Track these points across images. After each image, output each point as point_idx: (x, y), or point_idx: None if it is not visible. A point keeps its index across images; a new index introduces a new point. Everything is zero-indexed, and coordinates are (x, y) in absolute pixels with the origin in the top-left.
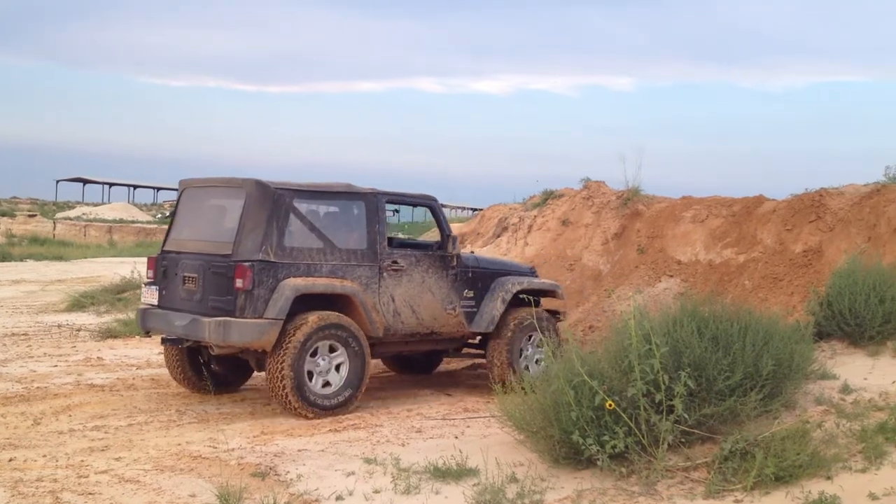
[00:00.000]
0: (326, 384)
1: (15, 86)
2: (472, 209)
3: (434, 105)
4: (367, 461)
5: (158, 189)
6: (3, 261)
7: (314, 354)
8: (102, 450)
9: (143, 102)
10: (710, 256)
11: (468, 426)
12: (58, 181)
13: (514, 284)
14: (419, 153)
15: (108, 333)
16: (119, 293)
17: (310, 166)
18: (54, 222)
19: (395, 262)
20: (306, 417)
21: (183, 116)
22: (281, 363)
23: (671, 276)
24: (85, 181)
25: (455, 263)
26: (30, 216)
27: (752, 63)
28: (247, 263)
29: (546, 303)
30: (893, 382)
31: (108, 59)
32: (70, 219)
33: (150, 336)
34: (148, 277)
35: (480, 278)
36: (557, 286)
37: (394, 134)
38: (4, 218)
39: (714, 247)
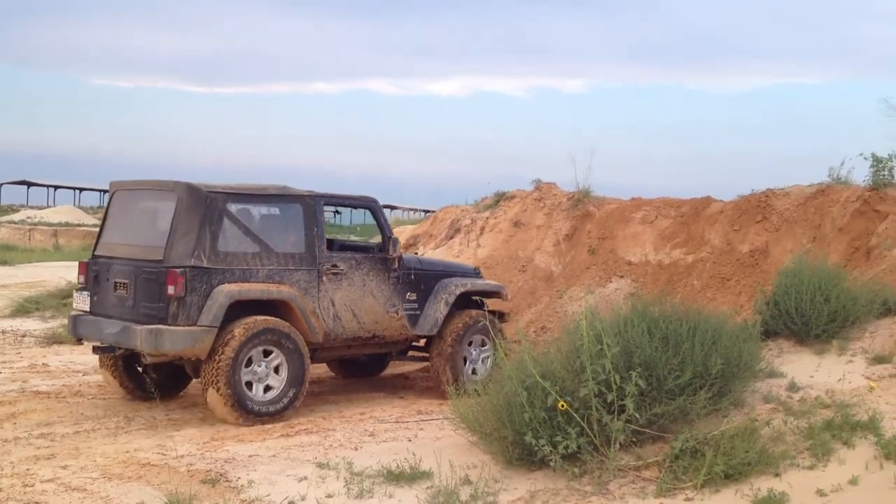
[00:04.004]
0: (268, 388)
1: None
2: (424, 211)
3: (388, 106)
4: (320, 466)
5: (105, 192)
6: None
7: (249, 364)
8: (48, 458)
9: (89, 104)
10: (660, 257)
11: (421, 429)
12: (1, 184)
13: (457, 286)
14: (373, 154)
15: (53, 339)
16: (65, 298)
17: (262, 168)
18: None
19: (334, 265)
20: (242, 425)
21: (131, 118)
22: (216, 377)
23: (622, 276)
24: (29, 184)
25: (397, 266)
26: None
27: (702, 65)
28: (178, 269)
29: (491, 304)
30: (839, 380)
31: (53, 59)
32: (14, 222)
33: (81, 343)
34: (79, 283)
35: (423, 280)
36: (501, 287)
37: (347, 135)
38: None
39: (663, 247)
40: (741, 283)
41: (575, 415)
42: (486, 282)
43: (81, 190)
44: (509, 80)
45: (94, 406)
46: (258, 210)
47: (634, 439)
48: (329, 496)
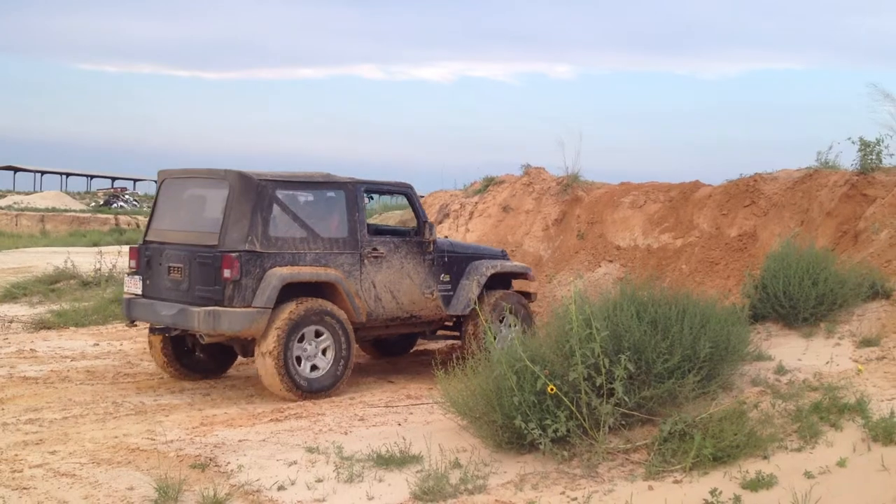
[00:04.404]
0: (314, 368)
1: None
2: None
3: (375, 92)
4: (310, 450)
5: (92, 177)
6: None
7: (301, 340)
8: (37, 443)
9: (76, 89)
10: (649, 241)
11: (411, 413)
12: None
13: (488, 268)
14: (360, 140)
15: (41, 325)
16: (52, 283)
17: (248, 154)
18: None
19: (375, 249)
20: (294, 400)
21: (117, 103)
22: (270, 350)
23: (611, 261)
24: (16, 169)
25: (431, 249)
26: None
27: (690, 51)
28: (234, 254)
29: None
30: (827, 363)
31: (39, 45)
32: (1, 208)
33: (135, 325)
34: (130, 267)
35: (455, 262)
36: (528, 269)
37: (334, 121)
38: None
39: (652, 232)
40: (729, 267)
41: (564, 398)
42: (514, 263)
43: (68, 175)
44: (497, 66)
45: (82, 391)
46: (304, 196)
47: (623, 422)
48: (319, 480)
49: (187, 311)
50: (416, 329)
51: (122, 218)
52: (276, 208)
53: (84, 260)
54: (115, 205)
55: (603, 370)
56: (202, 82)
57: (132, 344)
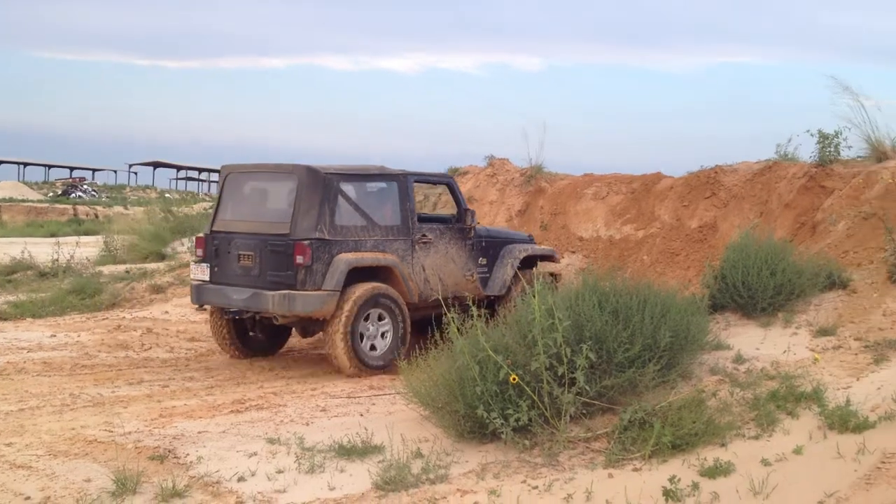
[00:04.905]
0: (373, 348)
1: None
2: None
3: (341, 82)
4: (271, 441)
5: (50, 167)
6: None
7: (366, 319)
8: None
9: (33, 77)
10: (611, 232)
11: (374, 404)
12: None
13: (521, 251)
14: (325, 131)
15: None
16: (9, 274)
17: (210, 144)
18: None
19: (424, 235)
20: (357, 375)
21: (75, 91)
22: (339, 328)
23: (573, 251)
24: None
25: (472, 235)
26: None
27: (654, 45)
28: (305, 241)
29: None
30: (784, 352)
31: None
32: None
33: (204, 310)
34: (197, 255)
35: (491, 247)
36: (554, 251)
37: (300, 111)
38: None
39: (614, 223)
40: (690, 257)
41: (526, 388)
42: (542, 247)
43: (25, 165)
44: (463, 57)
45: (38, 383)
46: (363, 188)
47: (584, 411)
48: (279, 471)
49: (261, 294)
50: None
51: (80, 208)
52: (340, 199)
53: (41, 250)
54: (73, 195)
55: (564, 360)
56: (164, 71)
57: (90, 335)
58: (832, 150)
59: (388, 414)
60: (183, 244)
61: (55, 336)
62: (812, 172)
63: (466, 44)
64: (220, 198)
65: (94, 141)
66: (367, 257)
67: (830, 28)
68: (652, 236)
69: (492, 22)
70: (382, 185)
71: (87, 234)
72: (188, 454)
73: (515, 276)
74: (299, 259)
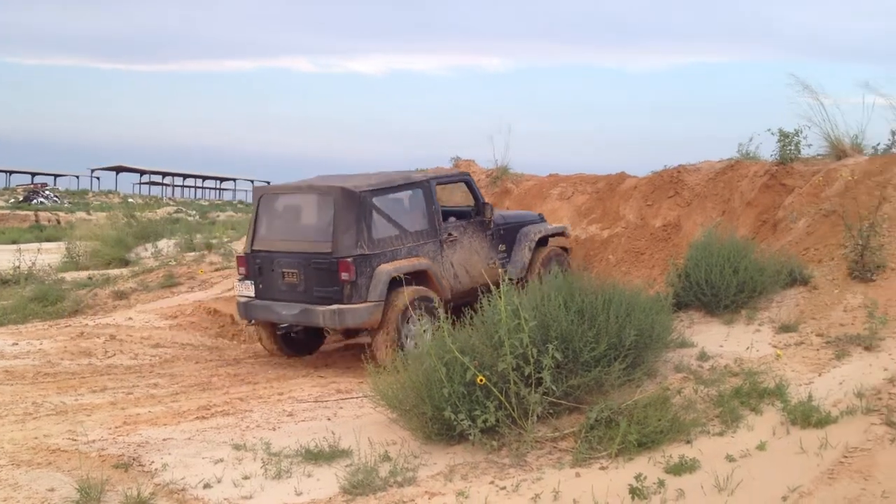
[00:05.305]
0: (416, 346)
1: None
2: None
3: (306, 84)
4: (237, 447)
5: (11, 172)
6: None
7: (408, 322)
8: None
9: None
10: (577, 232)
11: (341, 407)
12: None
13: (535, 233)
14: (292, 134)
15: None
16: None
17: (175, 148)
18: None
19: (450, 234)
20: None
21: (38, 96)
22: (386, 335)
23: None
24: None
25: (491, 226)
26: None
27: (619, 45)
28: (349, 259)
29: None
30: (747, 349)
31: None
32: None
33: (252, 325)
34: (240, 273)
35: (508, 232)
36: (565, 227)
37: (265, 114)
38: None
39: (580, 222)
40: (654, 256)
41: (493, 389)
42: (554, 226)
43: None
44: (429, 58)
45: (0, 392)
46: (393, 199)
47: (551, 411)
48: (246, 477)
49: (311, 310)
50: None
51: (42, 214)
52: (374, 214)
53: (2, 258)
54: (34, 201)
55: (531, 360)
56: (127, 75)
57: (52, 343)
58: (793, 148)
59: (356, 417)
60: (146, 249)
61: (17, 344)
62: (773, 171)
63: (432, 44)
64: (255, 218)
65: (56, 146)
66: (404, 265)
67: (792, 27)
68: (617, 236)
69: (458, 23)
70: (409, 192)
71: (49, 240)
72: (153, 462)
73: (533, 256)
74: (344, 276)
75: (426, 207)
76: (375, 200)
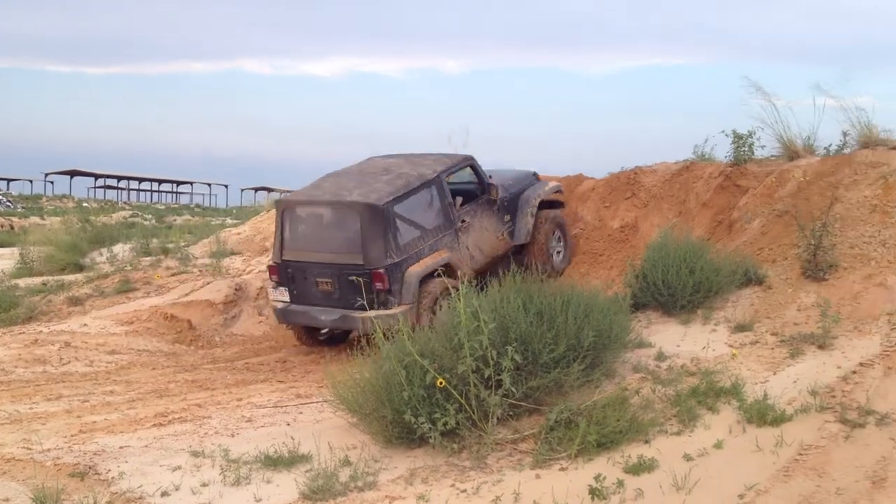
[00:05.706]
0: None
1: None
2: None
3: (262, 87)
4: (195, 454)
5: None
6: None
7: (435, 313)
8: None
9: None
10: None
11: (301, 412)
12: None
13: (535, 199)
14: (247, 136)
15: None
16: None
17: (130, 151)
18: None
19: (463, 220)
20: None
21: None
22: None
23: None
24: None
25: (496, 204)
26: None
27: (576, 48)
28: (381, 270)
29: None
30: (704, 348)
31: None
32: None
33: (289, 328)
34: (273, 280)
35: (510, 202)
36: (559, 186)
37: (219, 117)
38: None
39: None
40: (612, 258)
41: (453, 391)
42: (549, 184)
43: None
44: (387, 61)
45: None
46: (411, 203)
47: (511, 413)
48: (204, 485)
49: (349, 316)
50: (496, 265)
51: None
52: (398, 222)
53: None
54: None
55: (491, 362)
56: (85, 77)
57: (6, 350)
58: (746, 149)
59: (316, 422)
60: (102, 254)
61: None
62: (728, 172)
63: (390, 47)
64: (281, 229)
65: (7, 150)
66: (430, 263)
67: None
68: (575, 237)
69: (415, 25)
70: (424, 191)
71: (1, 245)
72: (109, 470)
73: (535, 220)
74: (378, 286)
75: (441, 202)
76: (397, 209)
